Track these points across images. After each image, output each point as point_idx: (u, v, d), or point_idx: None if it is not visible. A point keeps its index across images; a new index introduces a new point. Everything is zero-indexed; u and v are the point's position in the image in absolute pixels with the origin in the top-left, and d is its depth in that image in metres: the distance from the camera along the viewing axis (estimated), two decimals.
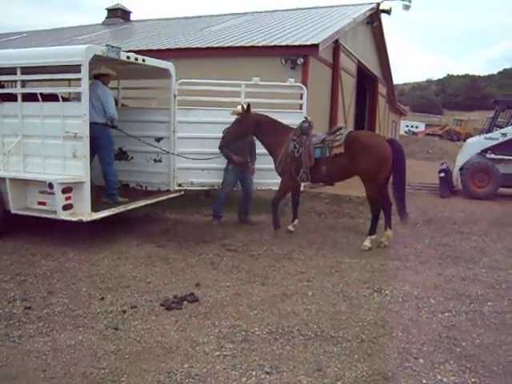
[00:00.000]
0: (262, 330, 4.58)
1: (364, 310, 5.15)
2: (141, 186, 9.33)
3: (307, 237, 8.18)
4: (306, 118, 8.27)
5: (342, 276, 6.22)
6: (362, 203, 10.63)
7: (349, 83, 15.55)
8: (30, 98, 7.48)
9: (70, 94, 8.63)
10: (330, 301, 5.37)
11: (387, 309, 5.20)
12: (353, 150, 7.50)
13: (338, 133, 7.79)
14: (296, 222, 8.53)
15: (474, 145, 14.33)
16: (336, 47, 13.74)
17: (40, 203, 7.30)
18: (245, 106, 8.14)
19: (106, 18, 23.18)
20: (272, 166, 8.45)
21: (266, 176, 9.11)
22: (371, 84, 20.71)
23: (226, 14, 20.00)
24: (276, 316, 4.92)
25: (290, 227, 8.41)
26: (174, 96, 9.00)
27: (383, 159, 7.49)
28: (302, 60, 11.33)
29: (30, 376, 3.76)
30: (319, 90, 12.65)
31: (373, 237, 7.72)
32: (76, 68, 6.90)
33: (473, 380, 3.83)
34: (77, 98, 7.47)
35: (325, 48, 11.90)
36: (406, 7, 17.73)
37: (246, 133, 8.26)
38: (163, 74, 8.94)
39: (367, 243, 7.61)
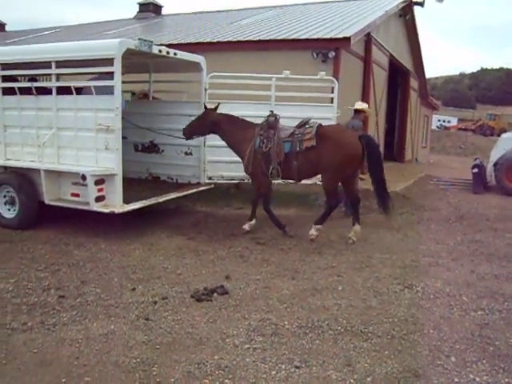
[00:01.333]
0: (292, 324, 4.57)
1: (395, 306, 5.09)
2: (171, 179, 9.41)
3: (337, 231, 8.13)
4: (271, 111, 8.03)
5: (373, 271, 6.17)
6: (393, 198, 10.50)
7: (380, 77, 15.36)
8: (63, 91, 7.61)
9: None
10: (360, 296, 5.33)
11: (418, 305, 5.14)
12: (323, 144, 7.33)
13: (307, 125, 7.57)
14: (253, 222, 8.07)
15: (509, 140, 14.02)
16: (368, 40, 13.58)
17: (73, 194, 7.43)
18: None
19: (138, 12, 23.38)
20: None
21: None
22: (403, 78, 20.39)
23: (256, 8, 19.95)
24: (306, 310, 4.91)
25: (246, 226, 7.97)
26: (205, 89, 9.04)
27: (351, 157, 7.33)
28: (334, 53, 11.22)
29: (64, 363, 3.84)
30: (350, 83, 12.53)
31: (318, 226, 7.58)
32: (109, 61, 6.98)
33: (506, 380, 3.75)
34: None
35: (356, 41, 11.76)
36: None
37: (202, 131, 8.16)
38: (194, 67, 8.98)
39: (313, 231, 7.54)
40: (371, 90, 14.20)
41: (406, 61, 19.43)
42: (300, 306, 5.01)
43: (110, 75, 7.04)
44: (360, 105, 9.58)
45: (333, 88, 9.43)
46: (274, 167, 7.55)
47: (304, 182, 8.70)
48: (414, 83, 21.53)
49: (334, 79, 9.66)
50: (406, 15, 17.85)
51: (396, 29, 17.59)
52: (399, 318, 4.79)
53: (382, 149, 16.57)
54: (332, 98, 9.37)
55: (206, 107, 8.13)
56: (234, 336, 4.32)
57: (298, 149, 7.42)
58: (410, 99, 20.89)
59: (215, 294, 5.21)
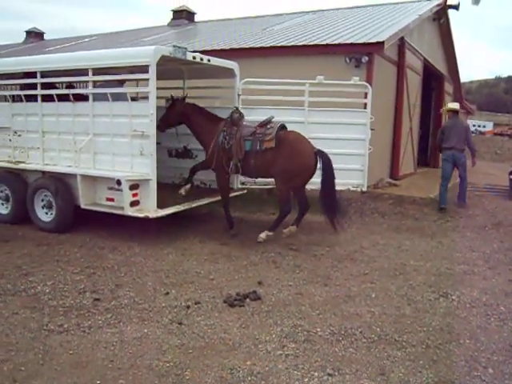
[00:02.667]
0: (325, 331, 4.55)
1: (429, 314, 5.01)
2: (205, 184, 9.46)
3: (370, 238, 8.06)
4: (236, 108, 8.11)
5: (407, 279, 6.09)
6: (427, 205, 10.38)
7: (414, 81, 15.17)
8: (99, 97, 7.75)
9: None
10: (393, 304, 5.27)
11: (454, 314, 5.05)
12: (280, 148, 7.40)
13: (268, 126, 7.60)
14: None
15: None
16: (401, 45, 13.43)
17: (108, 199, 7.57)
18: None
19: (172, 19, 23.67)
20: (334, 165, 8.44)
21: None
22: (437, 82, 20.08)
23: (288, 13, 19.97)
24: (339, 317, 4.87)
25: (182, 191, 8.05)
26: (238, 95, 9.09)
27: (305, 167, 7.45)
28: (367, 58, 11.14)
29: (99, 365, 3.90)
30: (384, 88, 12.42)
31: (270, 233, 7.61)
32: (144, 68, 7.09)
33: None
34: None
35: (390, 46, 11.65)
36: (476, 1, 17.06)
37: (172, 121, 8.27)
38: (228, 73, 9.04)
39: (263, 235, 7.57)
40: (405, 95, 14.03)
41: (440, 65, 19.14)
42: (333, 312, 4.98)
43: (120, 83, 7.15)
44: (454, 105, 10.76)
45: (366, 93, 9.36)
46: (235, 163, 7.67)
47: (337, 188, 8.66)
48: (448, 87, 21.18)
49: (368, 84, 9.59)
50: (440, 19, 17.60)
51: (430, 33, 17.35)
52: (434, 327, 4.72)
53: (415, 154, 16.38)
54: (365, 104, 9.29)
55: (173, 98, 8.27)
56: (267, 342, 4.32)
57: (257, 148, 7.54)
58: (445, 104, 20.54)
59: (248, 300, 5.22)
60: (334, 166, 8.57)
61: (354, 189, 9.26)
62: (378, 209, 10.14)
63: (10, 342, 4.24)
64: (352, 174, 9.18)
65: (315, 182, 8.84)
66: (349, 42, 11.54)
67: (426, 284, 5.91)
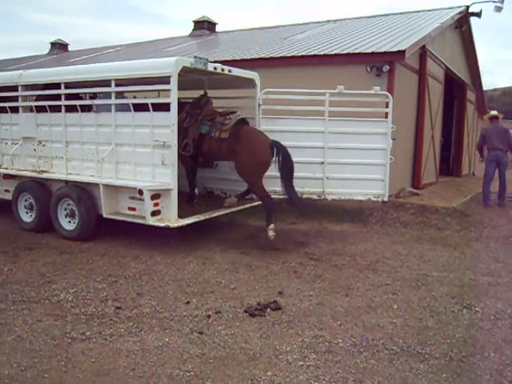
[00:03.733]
0: (346, 342, 4.51)
1: (453, 326, 4.94)
2: (225, 194, 9.50)
3: (392, 248, 7.99)
4: (205, 93, 8.69)
5: (429, 290, 6.01)
6: (450, 214, 10.25)
7: (436, 90, 15.05)
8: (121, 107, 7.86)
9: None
10: (416, 315, 5.21)
11: (478, 326, 4.97)
12: (238, 142, 7.80)
13: (227, 117, 8.01)
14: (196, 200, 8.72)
15: None
16: (423, 53, 13.35)
17: (130, 208, 7.65)
18: None
19: (193, 30, 23.90)
20: (353, 175, 8.48)
21: (349, 185, 9.02)
22: (459, 90, 19.87)
23: (309, 23, 19.99)
24: (360, 328, 4.83)
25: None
26: (259, 105, 9.11)
27: (262, 162, 7.87)
28: (388, 67, 11.08)
29: (120, 373, 3.92)
30: (405, 97, 12.34)
31: (271, 226, 7.81)
32: (166, 79, 7.17)
33: None
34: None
35: (411, 54, 11.59)
36: (498, 9, 16.84)
37: None
38: (248, 83, 9.09)
39: (271, 233, 7.77)
40: (426, 104, 13.93)
41: (462, 73, 18.96)
42: (354, 323, 4.94)
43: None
44: (495, 112, 13.23)
45: (387, 103, 9.31)
46: (188, 143, 7.99)
47: (357, 198, 8.74)
48: (470, 95, 20.95)
49: (389, 93, 9.53)
50: (461, 27, 17.46)
51: (452, 41, 17.22)
52: (458, 339, 4.64)
53: (437, 163, 16.21)
54: (386, 113, 9.24)
55: None
56: (287, 352, 4.30)
57: (212, 135, 7.93)
58: (467, 112, 20.31)
59: (268, 310, 5.22)
60: (355, 176, 8.60)
61: (376, 199, 9.19)
62: (400, 218, 10.05)
63: (34, 348, 4.30)
64: (373, 184, 9.12)
65: (339, 193, 8.92)
66: (369, 51, 11.50)
67: (449, 295, 5.83)
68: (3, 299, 5.43)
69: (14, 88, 9.01)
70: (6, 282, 5.97)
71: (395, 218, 10.09)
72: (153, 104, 7.49)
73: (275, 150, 7.88)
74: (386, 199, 9.08)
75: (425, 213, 10.54)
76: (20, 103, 9.02)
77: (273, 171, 9.01)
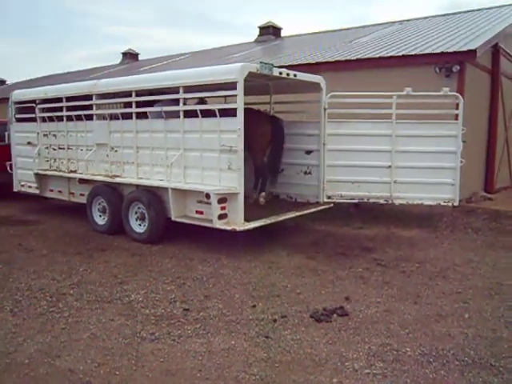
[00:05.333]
0: (414, 351, 4.39)
1: None
2: (291, 198, 9.52)
3: (463, 254, 7.70)
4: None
5: (503, 299, 5.74)
6: None
7: (510, 89, 14.40)
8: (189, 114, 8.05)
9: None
10: (489, 325, 4.98)
11: None
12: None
13: None
14: None
15: None
16: (495, 52, 12.83)
17: (197, 212, 7.81)
18: None
19: (259, 35, 24.12)
20: (422, 179, 8.34)
21: (418, 190, 8.81)
22: None
23: (375, 25, 19.70)
24: (429, 337, 4.68)
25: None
26: (324, 109, 9.06)
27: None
28: (458, 67, 10.74)
29: (187, 374, 4.00)
30: (476, 97, 11.90)
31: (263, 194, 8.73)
32: (232, 85, 7.27)
33: None
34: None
35: (483, 53, 11.17)
36: None
37: None
38: (314, 87, 9.07)
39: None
40: (499, 104, 13.36)
41: None
42: (423, 332, 4.80)
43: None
44: None
45: (458, 104, 9.01)
46: None
47: (426, 202, 8.58)
48: None
49: (459, 95, 9.22)
50: None
51: None
52: None
53: None
54: (457, 115, 8.94)
55: None
56: (354, 360, 4.23)
57: None
58: None
59: (335, 315, 5.16)
60: (424, 180, 8.44)
61: (445, 203, 8.91)
62: (472, 224, 9.68)
63: (107, 346, 4.47)
64: (443, 188, 8.86)
65: (408, 197, 8.76)
66: (438, 51, 11.19)
67: None
68: (79, 298, 5.69)
69: (89, 97, 9.42)
70: (81, 282, 6.25)
71: (466, 223, 9.72)
72: (219, 109, 7.62)
73: None
74: (456, 204, 8.79)
75: (498, 218, 10.10)
76: (94, 111, 9.42)
77: (339, 175, 8.99)
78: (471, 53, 10.62)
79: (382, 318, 5.13)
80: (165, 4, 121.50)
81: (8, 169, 11.56)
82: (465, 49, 10.82)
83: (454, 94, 9.32)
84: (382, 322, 5.02)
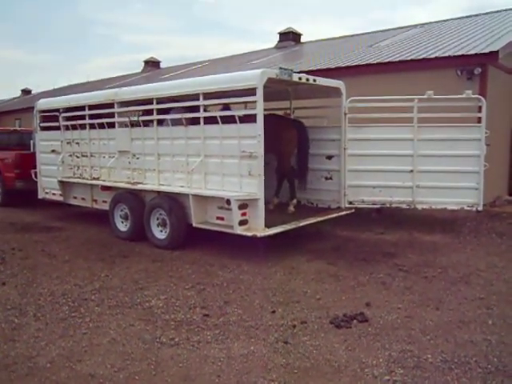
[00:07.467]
0: (436, 358, 4.31)
1: None
2: (312, 203, 9.50)
3: (487, 259, 7.56)
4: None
5: None
6: None
7: None
8: (208, 120, 8.09)
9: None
10: None
11: None
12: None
13: None
14: None
15: None
16: None
17: (218, 218, 7.83)
18: None
19: (278, 41, 24.16)
20: (445, 183, 8.23)
21: (440, 194, 8.70)
22: None
23: (395, 28, 19.58)
24: (451, 344, 4.60)
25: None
26: (345, 114, 9.03)
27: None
28: (480, 70, 10.60)
29: (206, 380, 3.99)
30: (500, 100, 11.72)
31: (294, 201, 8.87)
32: (252, 91, 7.29)
33: None
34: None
35: (506, 55, 11.00)
36: None
37: None
38: (334, 92, 9.05)
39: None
40: None
41: None
42: (445, 338, 4.72)
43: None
44: None
45: (480, 107, 8.88)
46: None
47: (450, 207, 8.47)
48: None
49: (482, 97, 9.09)
50: None
51: None
52: None
53: None
54: (479, 118, 8.82)
55: None
56: (374, 366, 4.18)
57: None
58: None
59: (355, 321, 5.11)
60: (447, 184, 8.36)
61: (469, 208, 8.79)
62: (496, 229, 9.51)
63: (126, 351, 4.50)
64: (466, 192, 8.75)
65: (430, 202, 8.65)
66: (459, 53, 11.06)
67: None
68: (100, 303, 5.75)
69: (111, 105, 9.56)
70: (103, 288, 6.32)
71: (490, 228, 9.55)
72: (239, 116, 7.65)
73: None
74: (480, 208, 8.67)
75: None
76: (116, 119, 9.54)
77: (360, 180, 8.94)
78: (493, 54, 10.48)
79: (403, 324, 5.06)
80: (186, 12, 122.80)
81: (33, 176, 11.80)
82: (486, 50, 10.68)
83: (477, 96, 9.20)
84: (402, 328, 4.96)
